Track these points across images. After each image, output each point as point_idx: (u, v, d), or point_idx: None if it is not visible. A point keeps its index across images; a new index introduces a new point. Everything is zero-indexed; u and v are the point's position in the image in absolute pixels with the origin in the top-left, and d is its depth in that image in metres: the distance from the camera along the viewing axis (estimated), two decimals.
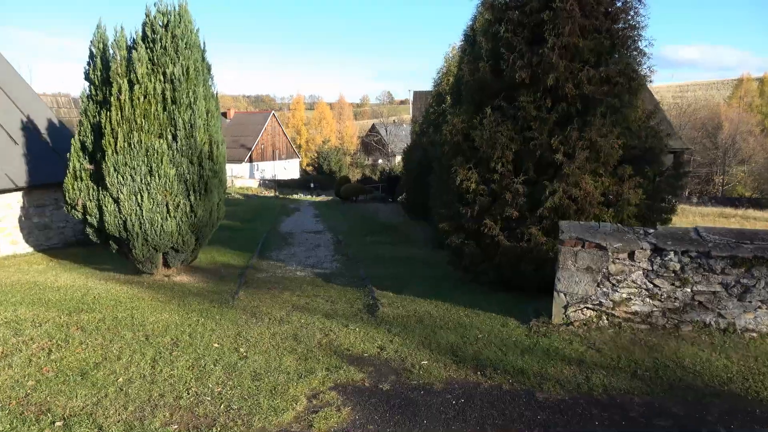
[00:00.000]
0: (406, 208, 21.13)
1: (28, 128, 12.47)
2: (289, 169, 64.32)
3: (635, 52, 8.18)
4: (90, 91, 9.23)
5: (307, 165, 69.13)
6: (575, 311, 6.51)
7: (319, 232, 18.13)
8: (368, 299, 8.26)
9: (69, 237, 12.54)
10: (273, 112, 67.64)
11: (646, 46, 8.06)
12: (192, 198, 9.22)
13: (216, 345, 6.22)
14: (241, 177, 55.30)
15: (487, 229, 8.06)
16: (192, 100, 9.07)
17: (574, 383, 5.11)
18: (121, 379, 5.26)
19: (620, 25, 8.03)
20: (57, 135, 12.92)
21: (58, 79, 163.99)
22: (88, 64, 9.31)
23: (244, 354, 5.95)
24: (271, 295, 8.57)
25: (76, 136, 9.24)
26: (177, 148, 8.96)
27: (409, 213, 20.68)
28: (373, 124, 77.01)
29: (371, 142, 67.02)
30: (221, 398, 4.90)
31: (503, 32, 8.09)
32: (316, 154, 66.38)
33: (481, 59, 8.37)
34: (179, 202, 9.07)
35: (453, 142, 8.58)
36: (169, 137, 8.95)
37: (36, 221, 11.94)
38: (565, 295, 6.51)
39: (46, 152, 12.24)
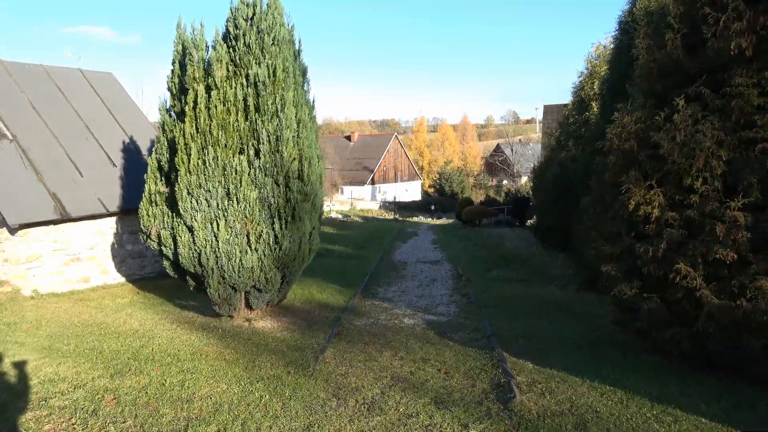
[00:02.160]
0: (539, 235, 18.13)
1: (129, 149, 11.80)
2: (411, 191, 63.03)
3: None
4: (169, 101, 7.96)
5: (429, 186, 67.38)
6: None
7: (436, 262, 15.93)
8: (497, 373, 5.86)
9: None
10: (395, 134, 66.90)
11: None
12: (276, 226, 7.50)
13: None
14: (362, 199, 54.94)
15: (680, 277, 5.36)
16: (279, 107, 7.40)
17: None
18: None
19: None
20: None
21: None
22: (171, 71, 8.06)
23: None
24: (366, 356, 6.50)
25: (153, 155, 8.00)
26: (259, 166, 7.32)
27: (542, 241, 17.69)
28: (498, 144, 73.37)
29: (495, 162, 63.72)
30: None
31: None
32: (437, 176, 64.47)
33: (668, 30, 5.76)
34: (261, 231, 7.40)
35: (623, 150, 6.00)
36: (251, 153, 7.33)
37: (129, 248, 11.05)
38: None
39: (144, 174, 11.41)
